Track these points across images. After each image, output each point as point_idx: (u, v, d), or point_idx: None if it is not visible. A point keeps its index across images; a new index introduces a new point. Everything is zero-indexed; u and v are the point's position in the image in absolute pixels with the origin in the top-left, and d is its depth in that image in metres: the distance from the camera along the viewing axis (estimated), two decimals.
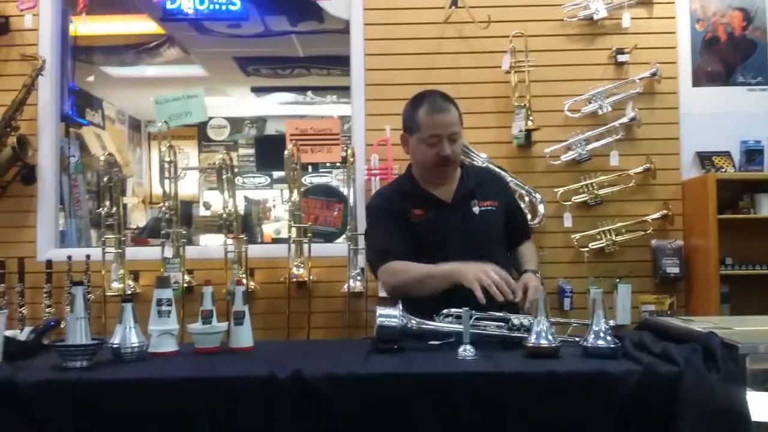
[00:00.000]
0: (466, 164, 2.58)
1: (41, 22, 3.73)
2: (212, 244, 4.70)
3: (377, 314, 2.00)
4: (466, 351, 1.82)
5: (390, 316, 1.98)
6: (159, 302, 1.98)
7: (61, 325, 2.30)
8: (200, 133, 7.80)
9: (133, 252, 3.63)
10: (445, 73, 3.67)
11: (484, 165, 3.41)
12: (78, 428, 1.61)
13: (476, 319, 2.02)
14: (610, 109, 3.60)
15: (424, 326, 2.03)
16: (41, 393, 1.62)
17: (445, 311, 2.06)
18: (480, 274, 2.10)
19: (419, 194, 2.43)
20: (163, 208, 3.46)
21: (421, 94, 2.47)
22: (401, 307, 2.01)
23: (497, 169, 3.36)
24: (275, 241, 6.20)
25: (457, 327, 1.96)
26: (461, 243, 2.35)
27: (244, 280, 3.30)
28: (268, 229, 6.97)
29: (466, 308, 1.91)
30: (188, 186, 7.00)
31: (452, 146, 2.36)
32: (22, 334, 2.04)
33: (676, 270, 3.56)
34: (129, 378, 1.67)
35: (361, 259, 3.52)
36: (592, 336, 1.82)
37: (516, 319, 2.02)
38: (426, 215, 2.39)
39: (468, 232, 2.39)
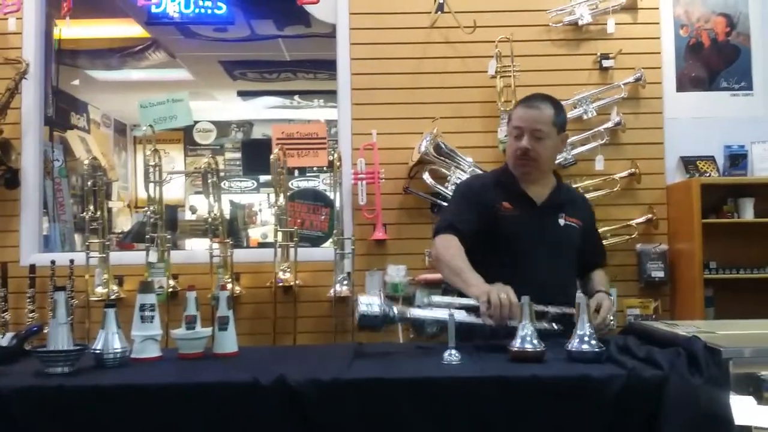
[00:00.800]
0: (561, 179, 2.58)
1: (25, 26, 3.71)
2: (197, 249, 4.69)
3: (358, 302, 1.99)
4: (452, 355, 1.81)
5: (371, 303, 1.98)
6: (142, 307, 1.96)
7: (44, 331, 2.28)
8: (186, 137, 7.78)
9: (117, 257, 3.61)
10: (431, 78, 3.69)
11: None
12: None
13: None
14: (595, 113, 3.62)
15: (405, 315, 2.04)
16: (22, 399, 1.60)
17: (426, 300, 2.06)
18: (492, 291, 2.05)
19: (513, 190, 2.42)
20: (148, 212, 3.44)
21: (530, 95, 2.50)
22: (383, 295, 2.01)
23: (470, 174, 3.42)
24: (261, 245, 6.17)
25: (437, 315, 1.97)
26: (540, 246, 2.35)
27: (229, 285, 3.29)
28: (254, 234, 6.95)
29: (450, 313, 1.90)
30: (174, 190, 6.97)
31: (534, 143, 2.34)
32: (4, 340, 2.02)
33: (661, 274, 3.58)
34: (111, 384, 1.65)
35: (348, 264, 3.52)
36: (577, 340, 1.83)
37: None
38: (514, 210, 2.39)
39: (549, 239, 2.39)
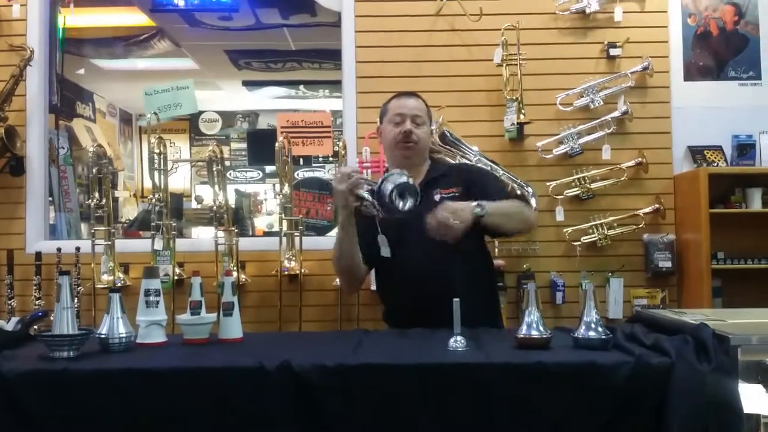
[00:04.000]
0: (435, 158, 2.62)
1: (29, 13, 3.69)
2: (203, 237, 4.69)
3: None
4: (457, 342, 1.80)
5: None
6: (147, 293, 1.96)
7: (50, 318, 2.29)
8: (192, 128, 7.78)
9: (123, 244, 3.60)
10: (437, 66, 3.67)
11: (464, 161, 3.39)
12: (64, 418, 1.59)
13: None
14: (602, 102, 3.60)
15: None
16: (27, 383, 1.60)
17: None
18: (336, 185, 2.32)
19: None
20: (153, 200, 3.43)
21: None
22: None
23: (476, 163, 3.37)
24: (267, 234, 6.17)
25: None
26: (418, 231, 2.34)
27: (234, 272, 3.28)
28: (260, 224, 6.95)
29: (457, 299, 1.89)
30: (180, 180, 6.98)
31: (415, 128, 2.52)
32: (9, 325, 2.02)
33: (668, 264, 3.56)
34: (116, 368, 1.65)
35: None
36: (584, 327, 1.81)
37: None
38: None
39: (423, 220, 2.38)
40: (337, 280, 3.44)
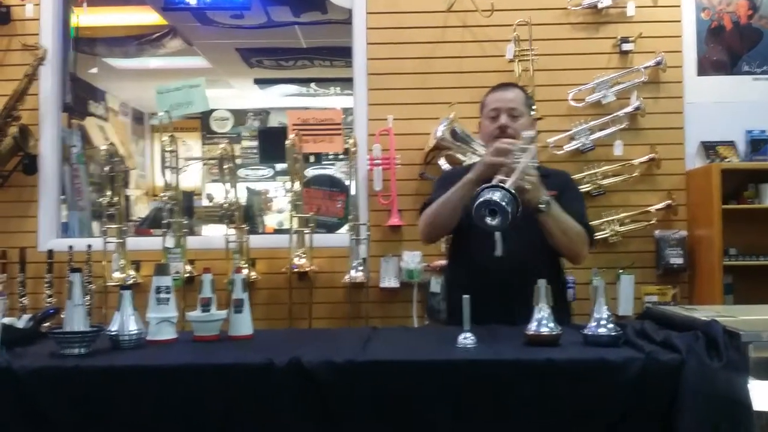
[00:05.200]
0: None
1: (42, 12, 3.72)
2: (214, 235, 4.70)
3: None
4: (466, 339, 1.80)
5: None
6: (158, 290, 1.96)
7: (62, 315, 2.30)
8: (203, 126, 7.80)
9: (134, 242, 3.63)
10: (449, 62, 3.66)
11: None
12: (75, 415, 1.59)
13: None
14: (614, 98, 3.58)
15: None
16: (38, 380, 1.60)
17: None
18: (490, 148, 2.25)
19: None
20: (165, 198, 3.45)
21: None
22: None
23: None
24: (277, 231, 6.18)
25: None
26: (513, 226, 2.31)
27: (245, 270, 3.29)
28: (270, 221, 6.96)
29: (467, 296, 1.88)
30: (191, 178, 7.00)
31: (511, 121, 2.41)
32: (20, 322, 2.03)
33: (680, 261, 3.54)
34: (126, 365, 1.66)
35: (363, 250, 3.51)
36: (594, 324, 1.81)
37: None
38: None
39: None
40: (348, 277, 3.45)
